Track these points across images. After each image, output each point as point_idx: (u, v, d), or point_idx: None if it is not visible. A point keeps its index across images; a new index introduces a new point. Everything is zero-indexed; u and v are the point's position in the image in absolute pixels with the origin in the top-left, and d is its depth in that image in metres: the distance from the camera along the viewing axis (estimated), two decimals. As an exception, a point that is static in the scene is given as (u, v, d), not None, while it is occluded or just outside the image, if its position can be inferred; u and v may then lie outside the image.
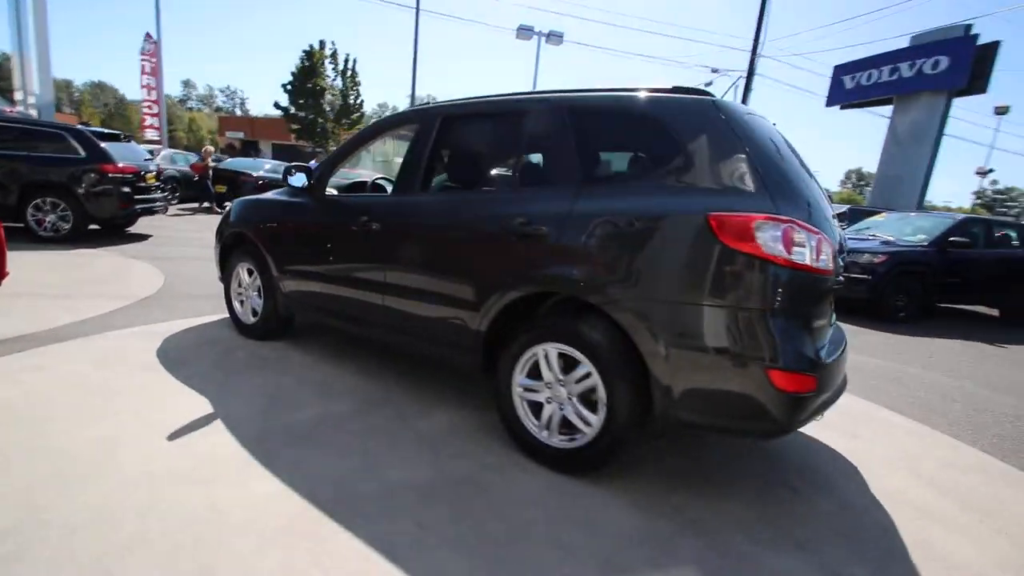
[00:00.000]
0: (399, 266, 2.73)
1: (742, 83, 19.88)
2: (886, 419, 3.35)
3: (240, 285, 3.79)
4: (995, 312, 7.86)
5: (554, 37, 18.93)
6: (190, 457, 2.13)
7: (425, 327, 2.67)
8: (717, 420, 1.93)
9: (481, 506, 1.99)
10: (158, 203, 8.06)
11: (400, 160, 2.94)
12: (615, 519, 1.98)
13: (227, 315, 4.07)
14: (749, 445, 2.69)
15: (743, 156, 1.92)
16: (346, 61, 27.15)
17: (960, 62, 16.84)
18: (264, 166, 14.17)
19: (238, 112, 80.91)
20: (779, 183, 1.89)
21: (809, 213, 1.89)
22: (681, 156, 2.02)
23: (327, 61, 26.53)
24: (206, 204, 13.25)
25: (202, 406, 2.59)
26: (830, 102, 20.41)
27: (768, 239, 1.79)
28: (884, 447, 2.88)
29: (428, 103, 2.97)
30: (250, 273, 3.70)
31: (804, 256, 1.82)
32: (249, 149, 32.74)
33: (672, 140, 2.05)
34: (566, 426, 2.25)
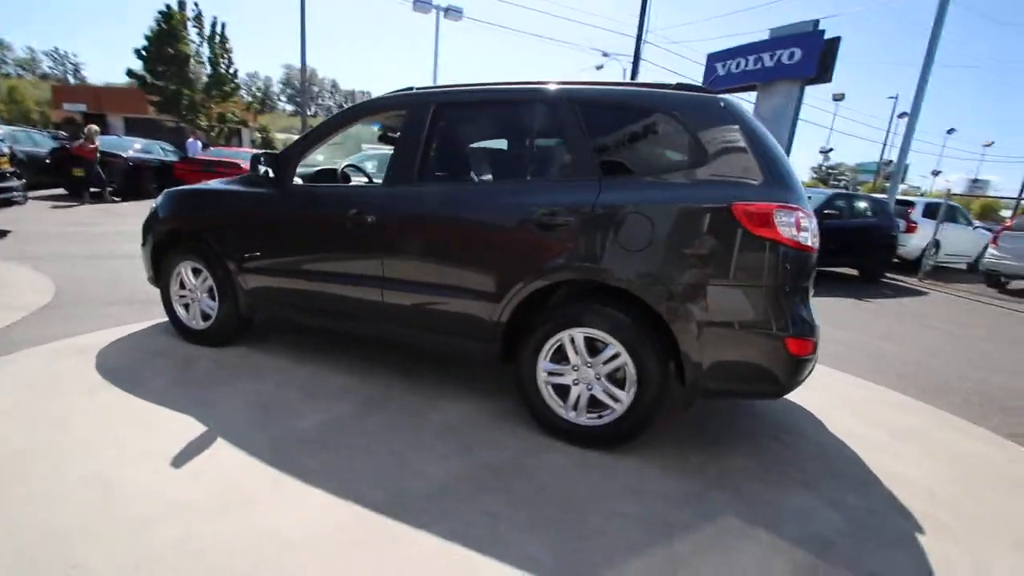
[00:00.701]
0: (402, 260, 2.63)
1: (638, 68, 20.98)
2: (818, 370, 3.94)
3: (184, 287, 3.37)
4: (855, 272, 9.36)
5: (453, 12, 18.49)
6: (208, 484, 1.93)
7: (435, 320, 2.62)
8: (738, 386, 2.18)
9: (532, 489, 2.05)
10: (16, 193, 6.74)
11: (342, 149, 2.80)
12: (654, 484, 2.16)
13: (158, 321, 3.64)
14: (733, 407, 3.03)
15: (750, 149, 2.14)
16: (213, 26, 24.19)
17: (811, 54, 19.29)
18: (134, 145, 12.33)
19: (71, 80, 68.70)
20: (781, 174, 2.13)
21: (803, 200, 2.17)
22: (696, 150, 2.18)
23: (190, 24, 23.42)
24: (94, 190, 11.17)
25: (190, 426, 2.33)
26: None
27: (784, 225, 2.03)
28: (827, 395, 3.40)
29: (414, 88, 2.84)
30: (196, 273, 3.31)
31: (807, 238, 2.10)
32: (94, 124, 28.09)
33: (686, 134, 2.21)
34: (593, 405, 2.38)
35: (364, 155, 8.70)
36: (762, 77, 21.09)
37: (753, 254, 2.05)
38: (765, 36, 21.05)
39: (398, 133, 3.87)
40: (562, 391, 2.43)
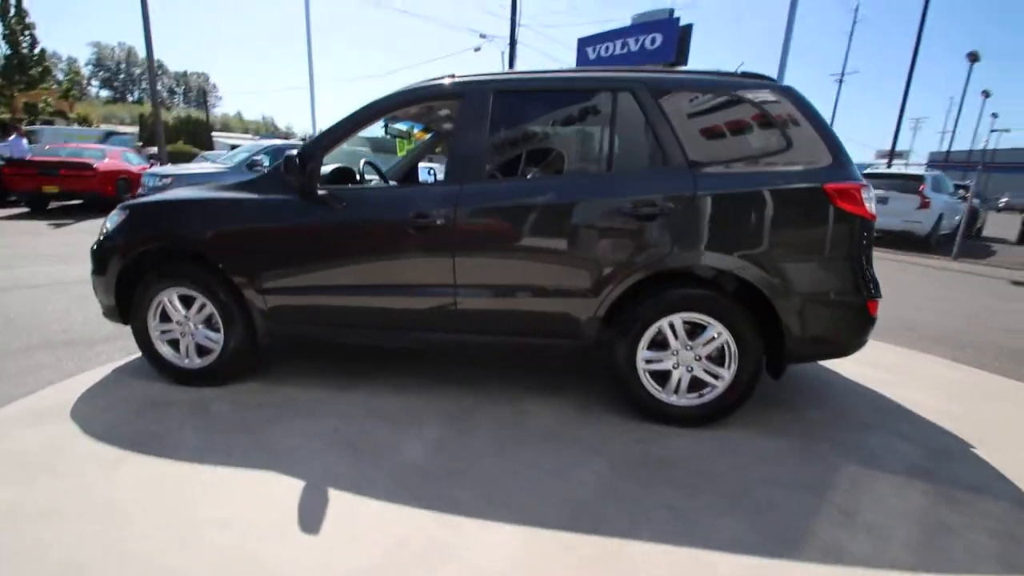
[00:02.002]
0: (480, 263, 2.45)
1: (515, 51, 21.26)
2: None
3: (168, 320, 2.79)
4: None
5: (321, -12, 16.98)
6: (374, 543, 1.67)
7: (521, 324, 2.50)
8: (825, 350, 2.42)
9: (684, 474, 2.10)
10: None
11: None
12: (767, 448, 2.33)
13: (113, 364, 3.06)
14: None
15: (817, 132, 2.34)
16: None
17: (669, 40, 21.21)
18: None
19: None
20: (844, 154, 2.37)
21: None
22: (775, 135, 2.34)
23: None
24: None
25: (285, 483, 1.98)
26: (579, 70, 23.34)
27: (867, 200, 2.27)
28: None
29: (455, 76, 2.61)
30: (187, 301, 2.76)
31: (875, 211, 2.38)
32: None
33: (766, 120, 2.35)
34: (693, 386, 2.48)
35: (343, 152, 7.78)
36: (630, 61, 22.61)
37: (843, 229, 2.27)
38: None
39: (449, 125, 3.62)
40: (661, 376, 2.49)
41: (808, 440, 2.42)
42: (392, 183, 3.16)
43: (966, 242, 9.76)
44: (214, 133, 38.33)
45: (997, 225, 17.54)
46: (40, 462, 2.06)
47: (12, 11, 19.49)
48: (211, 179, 8.65)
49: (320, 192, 2.57)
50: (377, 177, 3.39)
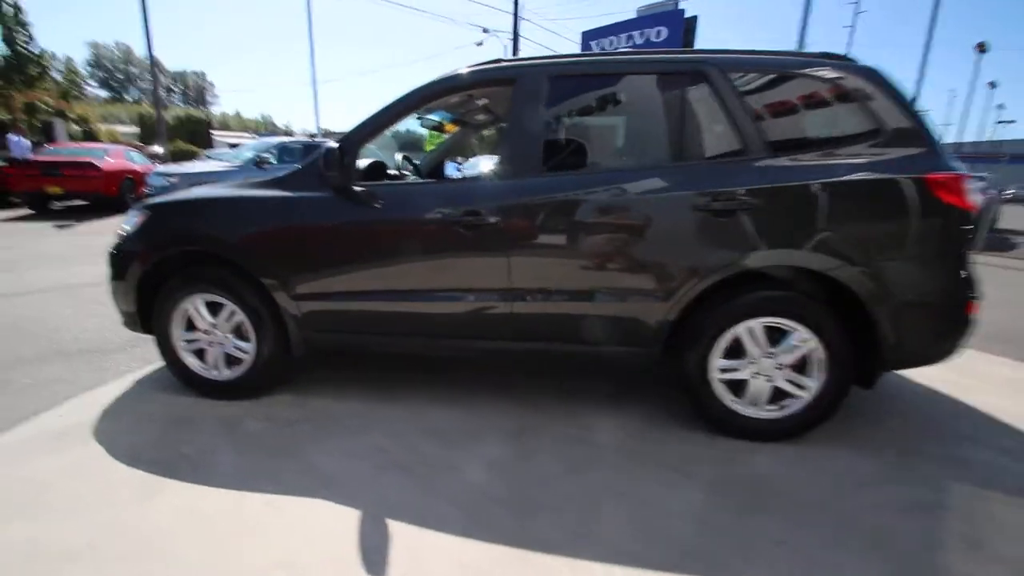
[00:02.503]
0: (538, 265, 2.24)
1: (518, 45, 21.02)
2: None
3: (195, 329, 2.58)
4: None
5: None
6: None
7: (582, 330, 2.29)
8: (924, 354, 2.20)
9: (780, 503, 1.88)
10: None
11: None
12: (863, 468, 2.12)
13: (131, 376, 2.87)
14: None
15: (907, 117, 2.12)
16: (-1, -6, 19.25)
17: (675, 32, 20.88)
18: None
19: None
20: (936, 141, 2.15)
21: None
22: (864, 120, 2.11)
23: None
24: None
25: (336, 512, 1.77)
26: (583, 65, 23.07)
27: (970, 192, 2.05)
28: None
29: (502, 60, 2.39)
30: (214, 308, 2.54)
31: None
32: None
33: (853, 104, 2.12)
34: (773, 397, 2.26)
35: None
36: (634, 54, 22.62)
37: (945, 223, 2.05)
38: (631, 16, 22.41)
39: (483, 116, 3.39)
40: (737, 387, 2.28)
41: (903, 456, 2.20)
42: (431, 180, 2.93)
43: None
44: (213, 132, 38.04)
45: (1009, 217, 17.30)
46: (65, 492, 1.85)
47: (9, 10, 19.20)
48: (219, 177, 8.42)
49: (357, 189, 2.36)
50: (411, 173, 3.16)
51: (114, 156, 10.34)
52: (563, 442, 2.27)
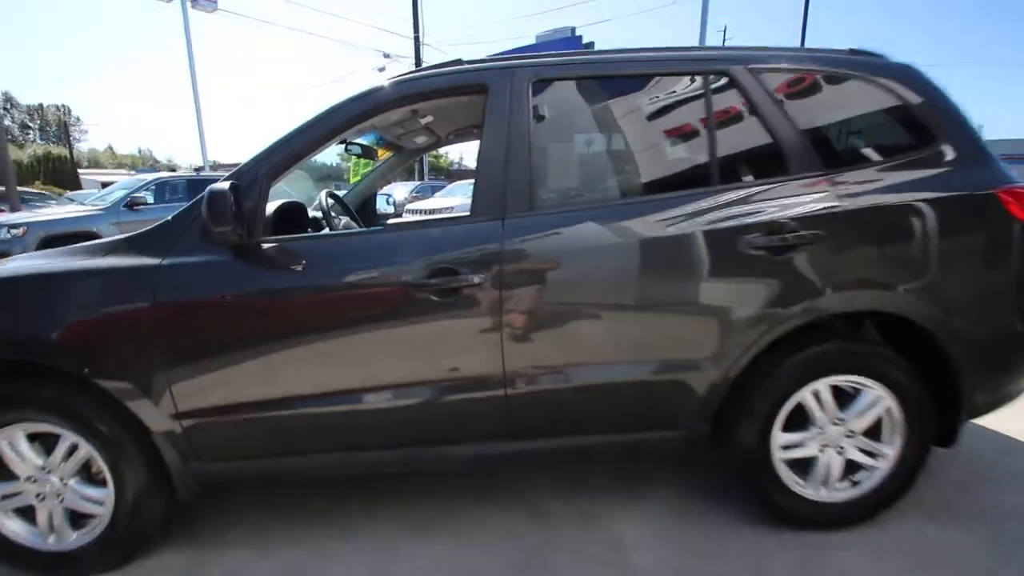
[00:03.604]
0: (539, 336, 1.61)
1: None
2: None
3: (9, 478, 1.66)
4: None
5: (203, 3, 15.13)
6: None
7: (607, 414, 1.70)
8: (1007, 397, 1.83)
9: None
10: None
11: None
12: (960, 552, 1.69)
13: None
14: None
15: (955, 124, 1.78)
16: None
17: (576, 56, 21.54)
18: None
19: None
20: (988, 150, 1.83)
21: None
22: (919, 126, 1.75)
23: None
24: None
25: None
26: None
27: None
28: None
29: (494, 61, 1.78)
30: (44, 443, 1.65)
31: None
32: None
33: (906, 109, 1.75)
34: (845, 471, 1.79)
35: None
36: (538, 78, 23.02)
37: (1021, 242, 1.71)
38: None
39: (422, 138, 2.67)
40: (801, 465, 1.78)
41: (997, 535, 1.79)
42: (379, 226, 2.18)
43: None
44: (81, 171, 33.69)
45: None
46: None
47: None
48: (80, 224, 6.95)
49: (266, 246, 1.62)
50: (344, 216, 2.40)
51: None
52: (594, 567, 1.64)
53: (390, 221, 2.58)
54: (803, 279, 1.62)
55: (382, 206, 3.30)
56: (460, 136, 2.90)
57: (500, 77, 1.68)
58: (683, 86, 1.74)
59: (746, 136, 1.70)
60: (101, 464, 1.65)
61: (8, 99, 66.66)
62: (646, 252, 1.62)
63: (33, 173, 28.63)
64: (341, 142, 2.37)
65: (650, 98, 1.75)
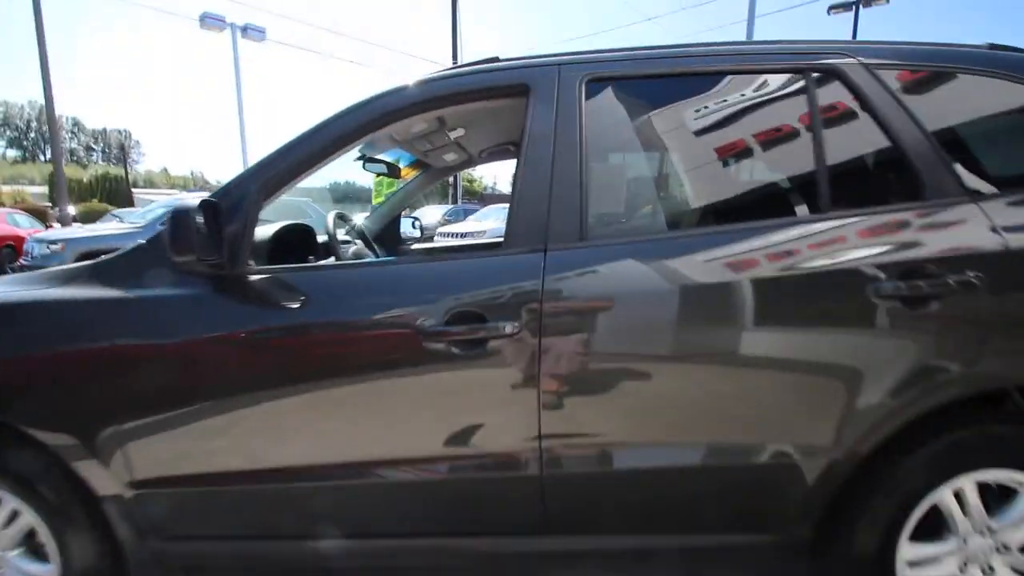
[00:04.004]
0: (594, 404, 1.25)
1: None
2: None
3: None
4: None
5: (253, 32, 15.73)
6: None
7: (675, 508, 1.31)
8: None
9: None
10: None
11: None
12: None
13: None
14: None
15: None
16: None
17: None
18: None
19: None
20: None
21: None
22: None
23: None
24: None
25: None
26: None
27: None
28: None
29: (539, 57, 1.47)
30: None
31: None
32: None
33: None
34: (994, 600, 1.33)
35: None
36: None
37: None
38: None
39: (452, 156, 2.40)
40: (933, 587, 1.33)
41: None
42: (390, 256, 1.88)
43: None
44: (136, 190, 35.54)
45: None
46: None
47: None
48: (116, 241, 7.01)
49: (254, 278, 1.32)
50: (357, 241, 2.10)
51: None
52: None
53: (408, 246, 2.27)
54: (947, 339, 1.22)
55: (407, 230, 3.02)
56: (494, 155, 2.59)
57: (545, 75, 1.36)
58: (780, 87, 1.38)
59: (865, 150, 1.32)
60: (45, 535, 1.35)
61: (76, 123, 71.78)
62: (732, 298, 1.24)
63: (92, 192, 30.25)
64: (359, 158, 2.10)
65: (737, 102, 1.39)
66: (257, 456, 1.30)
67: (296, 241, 1.77)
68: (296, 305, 1.31)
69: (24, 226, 9.65)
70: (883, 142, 1.31)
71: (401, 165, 2.45)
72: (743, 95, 1.38)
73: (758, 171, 1.45)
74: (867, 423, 1.23)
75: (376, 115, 1.40)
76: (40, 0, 11.57)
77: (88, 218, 17.96)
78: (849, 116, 1.34)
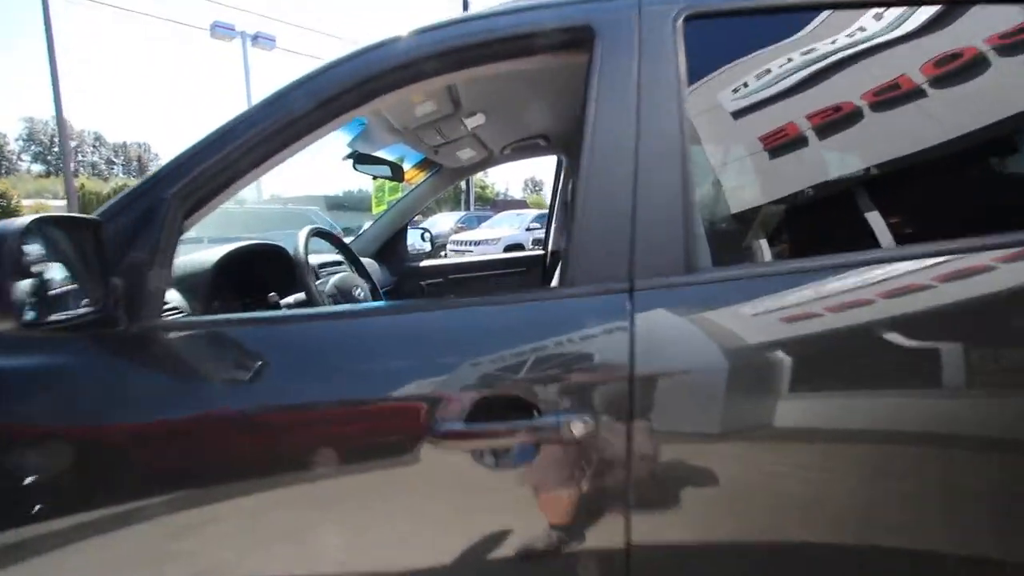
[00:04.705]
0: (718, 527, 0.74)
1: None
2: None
3: None
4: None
5: (263, 40, 15.55)
6: None
7: None
8: None
9: None
10: None
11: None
12: None
13: None
14: None
15: None
16: None
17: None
18: None
19: None
20: None
21: None
22: None
23: None
24: None
25: None
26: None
27: None
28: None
29: None
30: None
31: None
32: None
33: None
34: None
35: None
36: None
37: None
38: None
39: (537, 146, 1.91)
40: None
41: None
42: (381, 303, 1.36)
43: None
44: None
45: None
46: None
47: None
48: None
49: (173, 336, 0.84)
50: (342, 270, 1.59)
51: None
52: None
53: (416, 264, 1.77)
54: None
55: (416, 243, 2.53)
56: (520, 151, 2.09)
57: (621, 11, 0.86)
58: (957, 23, 0.85)
59: None
60: None
61: (97, 138, 73.48)
62: (954, 350, 0.72)
63: (111, 205, 30.61)
64: (349, 156, 1.60)
65: (935, 47, 0.86)
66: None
67: (257, 271, 1.28)
68: (240, 376, 0.82)
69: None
70: None
71: (405, 166, 1.97)
72: (945, 34, 0.86)
73: (975, 154, 0.90)
74: None
75: (365, 76, 0.90)
76: (49, 11, 11.50)
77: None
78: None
